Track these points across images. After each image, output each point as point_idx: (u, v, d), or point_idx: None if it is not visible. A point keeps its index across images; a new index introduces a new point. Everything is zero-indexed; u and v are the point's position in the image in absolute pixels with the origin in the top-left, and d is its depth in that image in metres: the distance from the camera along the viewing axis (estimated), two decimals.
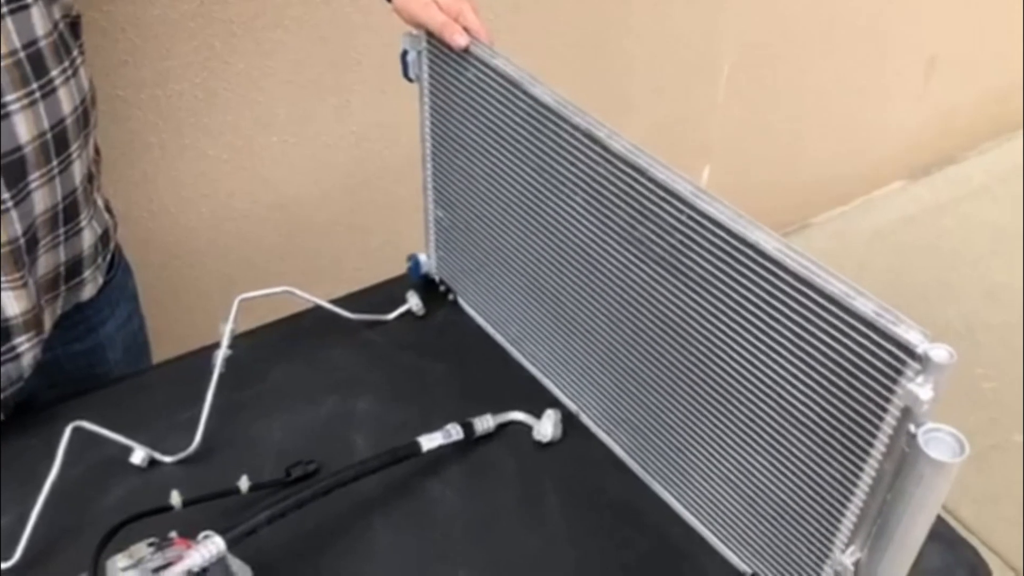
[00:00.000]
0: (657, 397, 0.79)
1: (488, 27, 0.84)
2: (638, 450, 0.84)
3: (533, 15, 1.54)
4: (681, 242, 0.70)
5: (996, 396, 1.91)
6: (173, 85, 1.24)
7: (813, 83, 2.07)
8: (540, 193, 0.83)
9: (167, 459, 0.84)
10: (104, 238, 0.91)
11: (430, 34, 0.85)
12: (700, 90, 1.90)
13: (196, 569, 0.65)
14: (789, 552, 0.72)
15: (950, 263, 2.26)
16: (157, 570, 0.63)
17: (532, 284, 0.89)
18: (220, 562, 0.66)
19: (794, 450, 0.68)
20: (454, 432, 0.84)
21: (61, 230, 0.83)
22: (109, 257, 0.93)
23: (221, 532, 0.67)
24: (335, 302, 0.98)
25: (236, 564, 0.70)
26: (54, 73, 0.75)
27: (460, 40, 0.82)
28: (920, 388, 0.56)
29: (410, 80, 0.91)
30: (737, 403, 0.71)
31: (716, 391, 0.73)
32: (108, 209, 0.93)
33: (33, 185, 0.77)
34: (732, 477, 0.75)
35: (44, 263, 0.83)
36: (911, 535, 0.62)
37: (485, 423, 0.87)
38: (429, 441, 0.83)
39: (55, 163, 0.78)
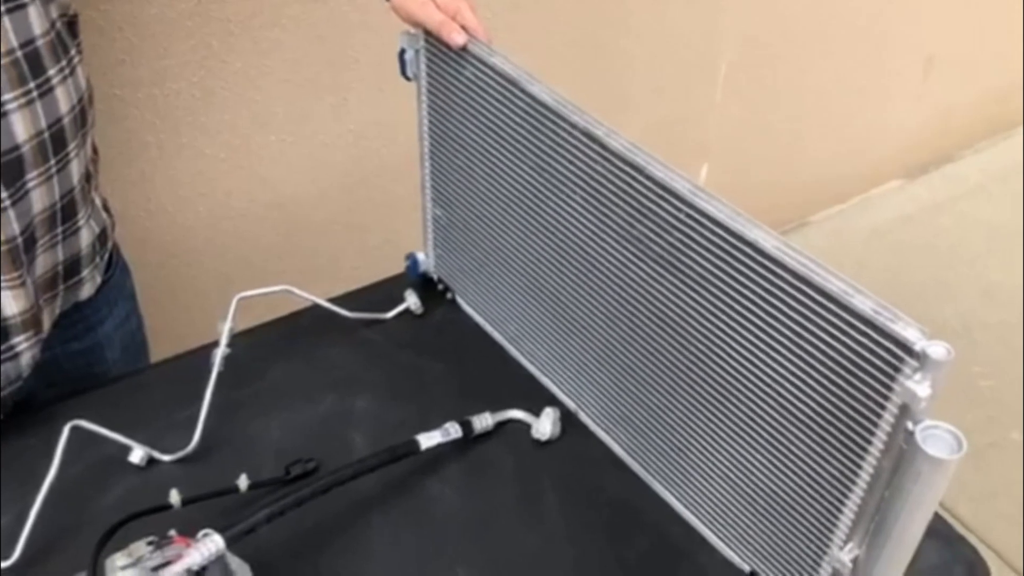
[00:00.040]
0: (656, 395, 0.79)
1: (486, 25, 0.84)
2: (637, 448, 0.85)
3: (531, 13, 1.53)
4: (679, 240, 0.70)
5: (994, 394, 1.91)
6: (170, 84, 1.23)
7: (811, 82, 2.07)
8: (538, 192, 0.83)
9: (166, 458, 0.84)
10: (102, 237, 0.91)
11: (428, 32, 0.85)
12: (698, 89, 1.90)
13: (195, 568, 0.65)
14: (788, 550, 0.72)
15: (947, 261, 2.26)
16: (156, 569, 0.63)
17: (530, 282, 0.89)
18: (219, 560, 0.66)
19: (792, 447, 0.68)
20: (453, 430, 0.84)
21: (59, 229, 0.83)
22: (107, 256, 0.93)
23: (220, 530, 0.67)
24: (333, 301, 0.98)
25: (235, 562, 0.70)
26: (51, 72, 0.75)
27: (458, 38, 0.82)
28: (918, 385, 0.56)
29: (408, 79, 0.91)
30: (736, 401, 0.71)
31: (715, 389, 0.73)
32: (106, 208, 0.93)
33: (31, 184, 0.77)
34: (731, 475, 0.75)
35: (42, 262, 0.83)
36: (909, 532, 0.62)
37: (484, 421, 0.87)
38: (428, 439, 0.83)
39: (53, 162, 0.78)
